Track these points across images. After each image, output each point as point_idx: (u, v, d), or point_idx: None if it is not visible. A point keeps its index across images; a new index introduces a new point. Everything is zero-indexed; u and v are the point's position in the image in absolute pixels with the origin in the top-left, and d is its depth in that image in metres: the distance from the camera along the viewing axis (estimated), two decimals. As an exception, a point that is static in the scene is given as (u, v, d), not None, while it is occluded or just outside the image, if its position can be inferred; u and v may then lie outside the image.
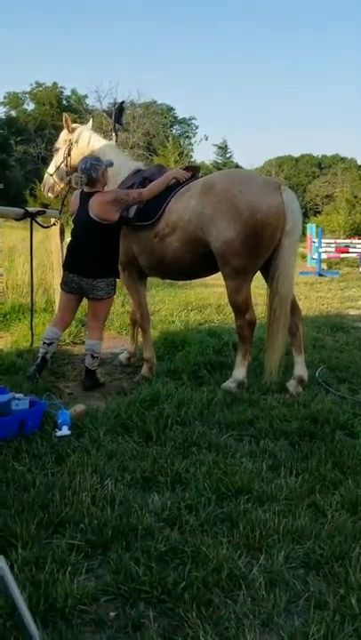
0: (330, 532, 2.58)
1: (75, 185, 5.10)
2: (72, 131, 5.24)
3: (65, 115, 5.35)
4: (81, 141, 5.18)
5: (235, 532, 2.58)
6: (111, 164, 4.78)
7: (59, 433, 3.62)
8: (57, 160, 5.35)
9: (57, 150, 5.40)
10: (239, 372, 4.61)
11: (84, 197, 4.61)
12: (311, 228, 18.56)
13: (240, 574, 2.27)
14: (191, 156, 41.39)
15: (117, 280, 4.83)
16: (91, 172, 4.57)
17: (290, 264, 4.46)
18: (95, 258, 4.57)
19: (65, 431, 3.64)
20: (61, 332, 4.89)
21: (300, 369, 4.66)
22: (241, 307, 4.53)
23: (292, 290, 4.56)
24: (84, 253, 4.59)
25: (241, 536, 2.54)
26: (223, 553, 2.38)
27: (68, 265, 4.70)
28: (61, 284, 4.80)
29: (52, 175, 5.39)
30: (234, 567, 2.30)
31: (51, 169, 5.42)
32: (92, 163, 4.62)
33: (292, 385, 4.61)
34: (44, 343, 4.72)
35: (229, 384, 4.58)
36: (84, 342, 5.15)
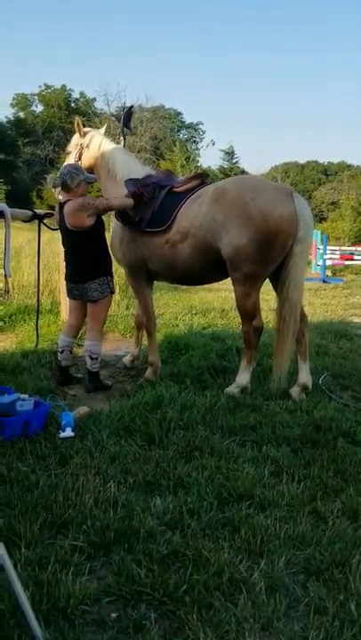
0: (331, 539, 2.60)
1: (48, 184, 5.20)
2: (84, 135, 5.27)
3: (77, 118, 5.36)
4: (92, 146, 5.20)
5: (236, 536, 2.60)
6: (95, 180, 4.87)
7: (62, 434, 3.64)
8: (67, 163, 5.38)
9: (69, 154, 5.43)
10: (243, 378, 4.62)
11: (60, 207, 4.69)
12: (316, 234, 18.55)
13: (241, 578, 2.29)
14: (197, 161, 41.49)
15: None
16: (66, 177, 4.62)
17: (301, 271, 4.48)
18: (80, 263, 4.68)
19: (68, 433, 3.66)
20: (72, 339, 4.94)
21: (305, 376, 4.68)
22: (249, 312, 4.55)
23: (302, 297, 4.58)
24: (71, 261, 4.77)
25: (242, 541, 2.56)
26: (224, 557, 2.40)
27: (65, 274, 4.90)
28: (67, 292, 4.95)
29: None
30: (235, 571, 2.32)
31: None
32: (70, 170, 4.67)
33: (295, 392, 4.62)
34: (56, 352, 4.93)
35: (233, 389, 4.59)
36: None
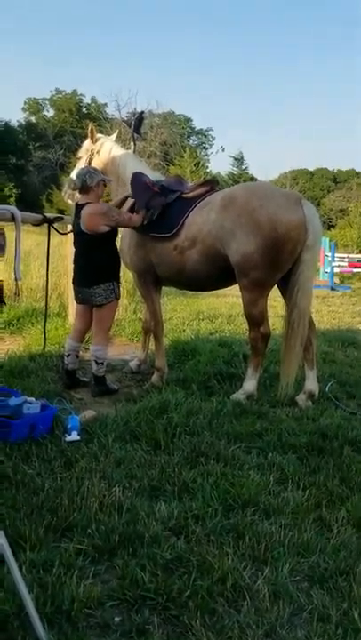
0: (335, 547, 2.59)
1: (68, 188, 5.23)
2: (95, 141, 5.32)
3: (90, 125, 5.43)
4: (103, 152, 5.25)
5: (240, 543, 2.60)
6: (110, 181, 4.90)
7: (68, 438, 3.65)
8: (78, 168, 5.42)
9: (79, 159, 5.48)
10: (250, 385, 4.62)
11: (78, 209, 4.69)
12: (324, 241, 18.54)
13: (245, 585, 2.29)
14: (207, 167, 41.65)
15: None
16: (85, 177, 4.64)
17: (309, 278, 4.47)
18: (88, 267, 4.69)
19: (74, 436, 3.67)
20: (79, 343, 4.95)
21: (311, 384, 4.67)
22: (256, 319, 4.55)
23: (310, 303, 4.57)
24: (80, 264, 4.78)
25: (246, 547, 2.56)
26: (228, 563, 2.40)
27: (73, 277, 4.92)
28: (74, 296, 4.98)
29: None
30: (239, 578, 2.32)
31: (72, 176, 5.50)
32: (89, 170, 4.72)
33: (301, 399, 4.62)
34: (63, 355, 4.94)
35: (239, 395, 4.59)
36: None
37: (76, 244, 4.82)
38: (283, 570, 2.40)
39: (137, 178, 4.81)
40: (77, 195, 5.03)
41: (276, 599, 2.24)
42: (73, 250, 5.11)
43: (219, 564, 2.38)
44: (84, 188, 4.66)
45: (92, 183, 4.63)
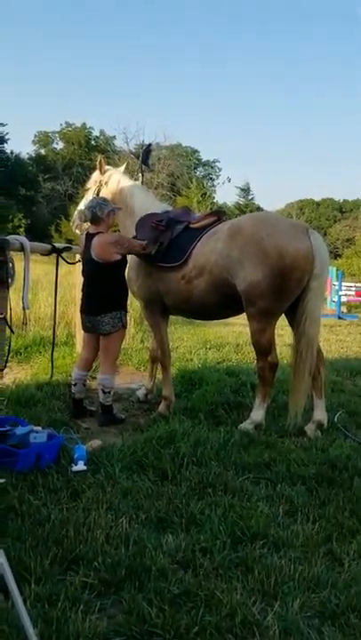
0: (346, 582, 2.53)
1: (78, 220, 5.30)
2: (104, 172, 5.41)
3: (99, 157, 5.54)
4: (111, 183, 5.33)
5: (249, 577, 2.54)
6: (119, 209, 4.98)
7: (75, 468, 3.62)
8: (87, 199, 5.51)
9: (87, 190, 5.57)
10: (258, 414, 4.59)
11: (88, 238, 4.76)
12: (331, 271, 18.58)
13: (254, 621, 2.23)
14: (214, 197, 42.12)
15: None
16: (96, 209, 4.72)
17: (317, 306, 4.49)
18: (97, 296, 4.72)
19: (81, 466, 3.64)
20: (85, 372, 4.95)
21: (320, 413, 4.63)
22: (264, 348, 4.55)
23: (319, 332, 4.57)
24: (88, 292, 4.82)
25: (256, 582, 2.50)
26: (237, 598, 2.34)
27: (80, 306, 4.95)
28: (81, 324, 5.00)
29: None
30: (248, 613, 2.26)
31: (81, 206, 5.59)
32: (98, 202, 4.81)
33: (310, 429, 4.57)
34: (70, 384, 4.93)
35: (247, 425, 4.55)
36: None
37: (84, 272, 4.86)
38: (293, 605, 2.34)
39: (141, 222, 4.90)
40: (85, 225, 5.09)
41: (287, 636, 2.18)
42: (81, 279, 5.14)
43: (227, 599, 2.32)
44: (94, 219, 4.73)
45: (102, 214, 4.71)
